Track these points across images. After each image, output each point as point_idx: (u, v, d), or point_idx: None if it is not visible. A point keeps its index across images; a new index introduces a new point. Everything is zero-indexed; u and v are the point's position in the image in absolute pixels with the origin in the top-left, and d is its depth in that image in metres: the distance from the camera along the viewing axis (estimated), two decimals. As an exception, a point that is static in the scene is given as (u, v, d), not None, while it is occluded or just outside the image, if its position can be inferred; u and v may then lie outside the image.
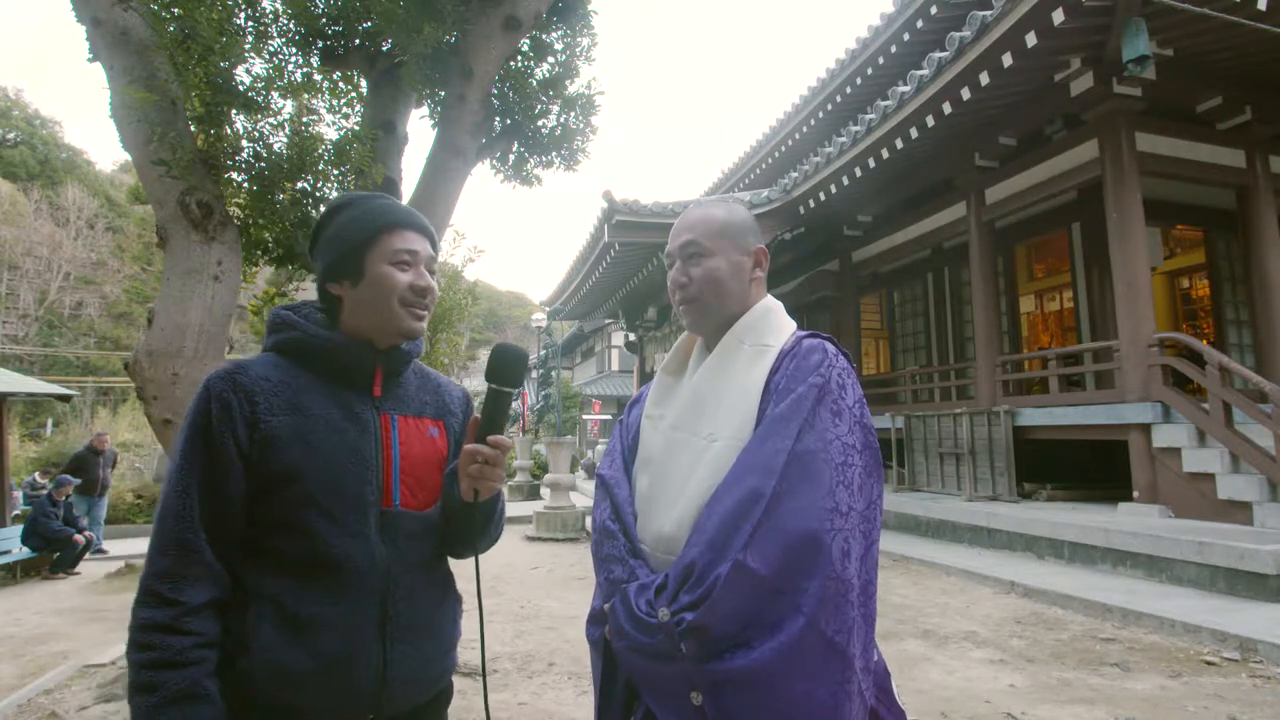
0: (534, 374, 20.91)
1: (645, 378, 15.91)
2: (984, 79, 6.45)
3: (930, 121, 7.21)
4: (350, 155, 3.40)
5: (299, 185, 3.47)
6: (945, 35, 6.75)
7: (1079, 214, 8.14)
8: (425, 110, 4.26)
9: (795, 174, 9.68)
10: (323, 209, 3.48)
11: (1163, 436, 6.03)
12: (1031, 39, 5.87)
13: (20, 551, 7.81)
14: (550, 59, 4.36)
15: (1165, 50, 6.20)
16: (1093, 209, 7.29)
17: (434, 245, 1.20)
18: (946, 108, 6.97)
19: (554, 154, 4.42)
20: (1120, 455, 6.45)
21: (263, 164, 3.37)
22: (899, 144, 7.73)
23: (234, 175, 3.48)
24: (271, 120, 3.44)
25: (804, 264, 11.89)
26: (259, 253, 3.74)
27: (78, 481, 8.69)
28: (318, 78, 4.01)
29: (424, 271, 1.15)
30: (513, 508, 10.87)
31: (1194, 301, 10.23)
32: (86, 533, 8.28)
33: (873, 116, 7.83)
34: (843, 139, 8.44)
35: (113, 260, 32.08)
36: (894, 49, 9.41)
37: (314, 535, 1.02)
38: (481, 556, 1.20)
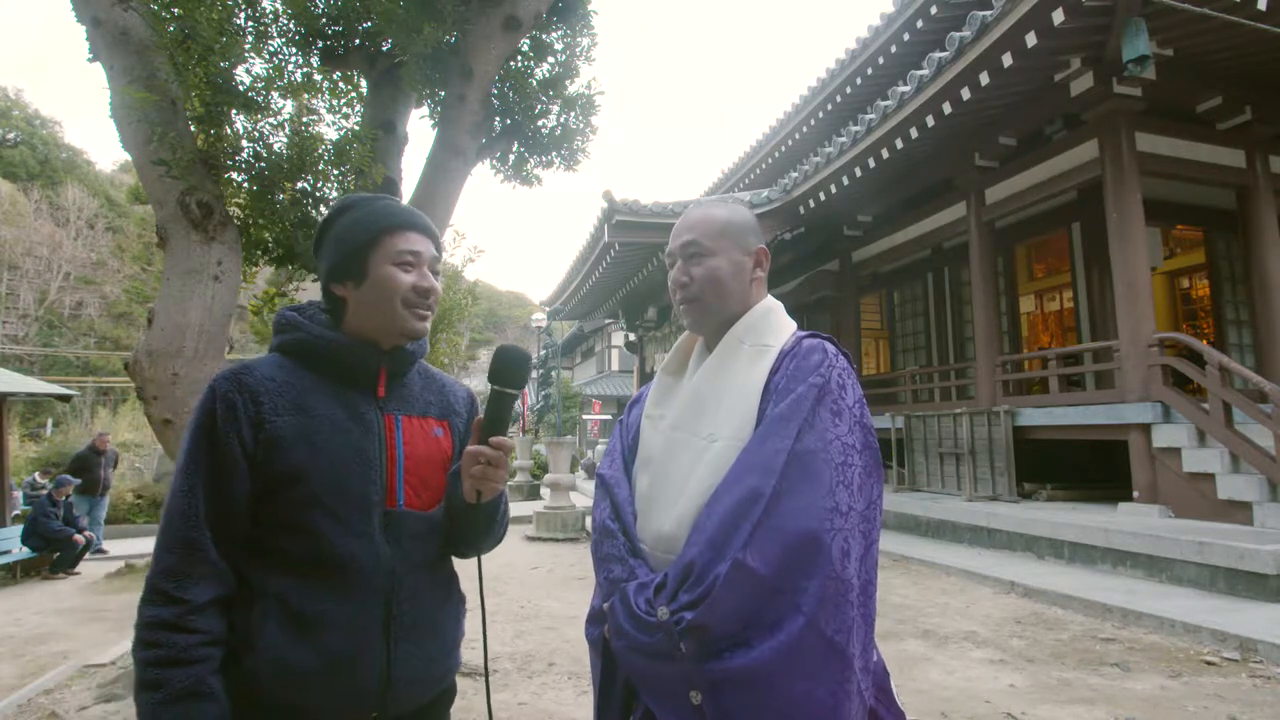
0: (534, 374, 20.91)
1: (645, 378, 15.92)
2: (984, 79, 6.45)
3: (930, 121, 7.21)
4: (350, 155, 3.40)
5: (299, 185, 3.47)
6: (945, 35, 6.75)
7: (1079, 214, 8.14)
8: (425, 110, 4.27)
9: (795, 174, 9.68)
10: (325, 210, 3.49)
11: (1163, 436, 6.03)
12: (1031, 39, 5.87)
13: (20, 551, 7.81)
14: (550, 59, 4.36)
15: (1165, 50, 6.20)
16: (1093, 209, 7.29)
17: (437, 246, 1.20)
18: (946, 108, 6.97)
19: (554, 154, 4.42)
20: (1120, 455, 6.45)
21: (263, 164, 3.37)
22: (899, 144, 7.73)
23: (234, 175, 3.48)
24: (271, 120, 3.44)
25: (804, 264, 11.89)
26: (259, 253, 3.74)
27: (78, 481, 8.70)
28: (318, 78, 4.01)
29: (427, 272, 1.16)
30: (513, 508, 10.78)
31: (1194, 301, 10.23)
32: (86, 533, 8.28)
33: (873, 116, 7.83)
34: (843, 139, 8.44)
35: (113, 260, 32.08)
36: (894, 49, 9.41)
37: (319, 535, 1.03)
38: (482, 556, 1.20)
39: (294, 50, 3.83)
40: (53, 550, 7.89)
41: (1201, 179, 7.15)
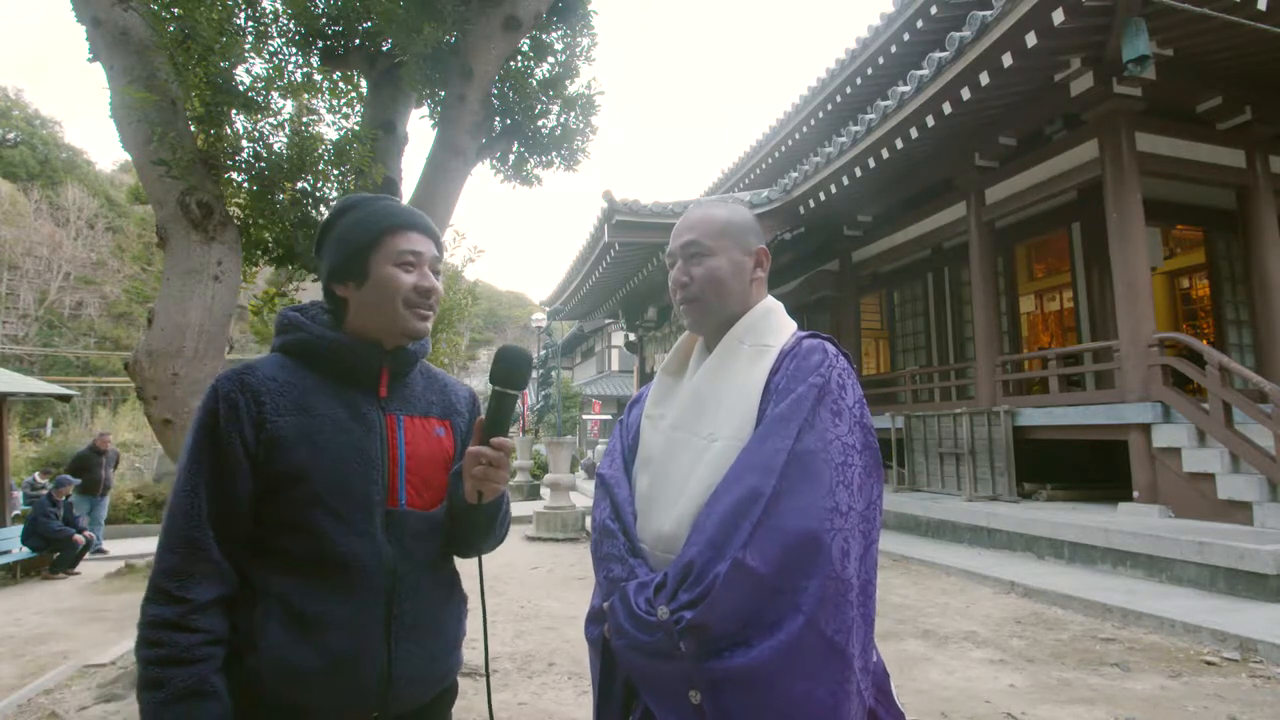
0: (534, 374, 20.90)
1: (645, 378, 15.92)
2: (984, 79, 6.45)
3: (930, 121, 7.22)
4: (350, 155, 3.41)
5: (299, 185, 3.48)
6: (945, 35, 6.75)
7: (1079, 214, 8.14)
8: (425, 110, 4.27)
9: (795, 174, 9.68)
10: (325, 210, 3.49)
11: (1163, 436, 6.03)
12: (1031, 39, 5.88)
13: (20, 551, 7.81)
14: (550, 59, 4.36)
15: (1165, 50, 6.20)
16: (1093, 209, 7.29)
17: (438, 246, 1.21)
18: (946, 108, 6.97)
19: (554, 154, 4.42)
20: (1120, 455, 6.45)
21: (263, 164, 3.37)
22: (899, 144, 7.74)
23: (234, 175, 3.48)
24: (271, 120, 3.45)
25: (804, 264, 11.89)
26: (259, 253, 3.75)
27: (78, 481, 8.70)
28: (318, 78, 4.01)
29: (428, 272, 1.16)
30: (513, 508, 10.86)
31: (1194, 301, 10.23)
32: (86, 533, 8.28)
33: (873, 116, 7.84)
34: (843, 139, 8.44)
35: (113, 260, 32.09)
36: (894, 49, 9.41)
37: (320, 535, 1.03)
38: (483, 556, 1.20)
39: (294, 50, 3.83)
40: (53, 550, 7.89)
41: (1201, 179, 7.15)
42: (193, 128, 3.34)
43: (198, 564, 0.98)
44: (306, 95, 3.94)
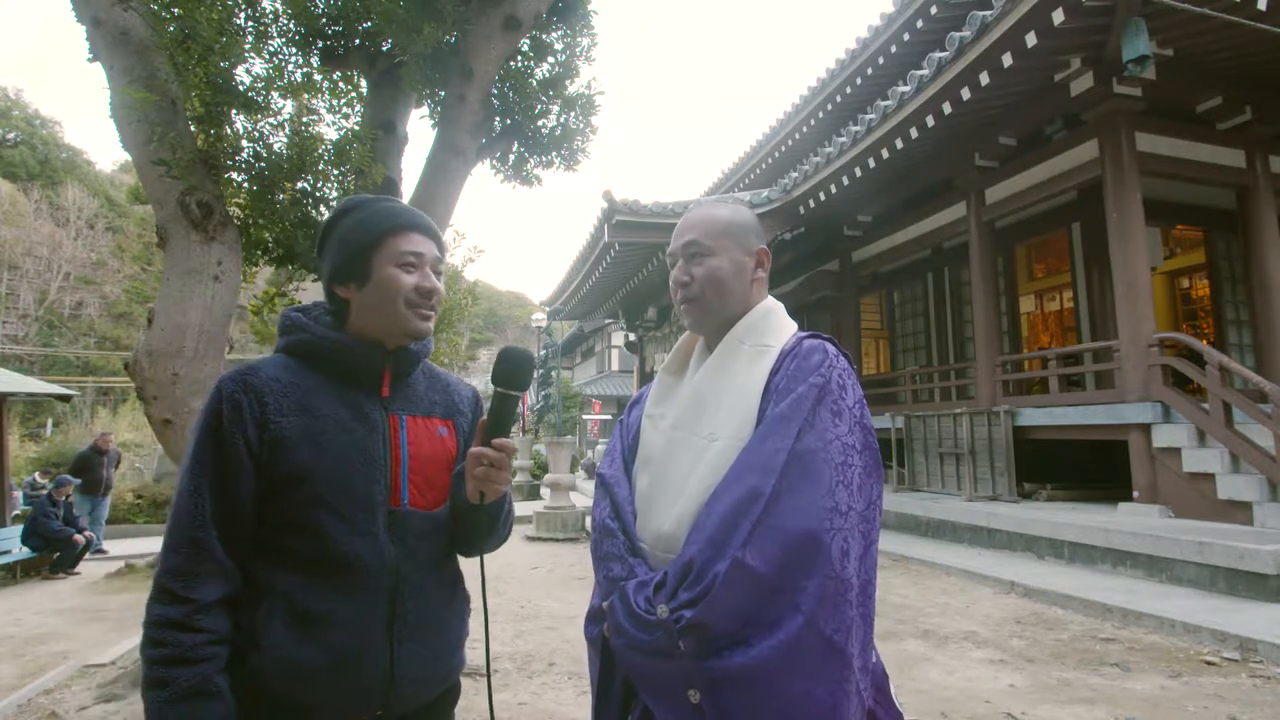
0: (534, 374, 20.87)
1: (645, 378, 15.93)
2: (984, 79, 6.45)
3: (930, 121, 7.22)
4: (350, 155, 3.41)
5: (299, 185, 3.48)
6: (945, 35, 6.75)
7: (1079, 214, 8.14)
8: (425, 110, 4.27)
9: (795, 174, 9.68)
10: (325, 210, 3.50)
11: (1163, 436, 6.03)
12: (1031, 39, 5.88)
13: (20, 551, 7.81)
14: (550, 59, 4.36)
15: (1165, 50, 6.20)
16: (1093, 209, 7.30)
17: (439, 246, 1.21)
18: (946, 108, 6.97)
19: (554, 154, 4.42)
20: (1120, 455, 6.45)
21: (263, 164, 3.37)
22: (899, 144, 7.74)
23: (234, 175, 3.49)
24: (271, 120, 3.45)
25: (804, 264, 11.90)
26: (259, 253, 3.75)
27: (78, 481, 8.70)
28: (318, 78, 4.02)
29: (429, 273, 1.16)
30: (514, 507, 10.87)
31: (1194, 301, 10.24)
32: (86, 533, 8.28)
33: (873, 116, 7.84)
34: (843, 139, 8.44)
35: (113, 260, 32.09)
36: (894, 49, 9.41)
37: (324, 534, 1.04)
38: (484, 556, 1.20)
39: (294, 50, 3.83)
40: (53, 550, 7.89)
41: (1201, 179, 7.15)
42: (193, 128, 3.34)
43: (202, 564, 0.99)
44: (306, 95, 3.94)
